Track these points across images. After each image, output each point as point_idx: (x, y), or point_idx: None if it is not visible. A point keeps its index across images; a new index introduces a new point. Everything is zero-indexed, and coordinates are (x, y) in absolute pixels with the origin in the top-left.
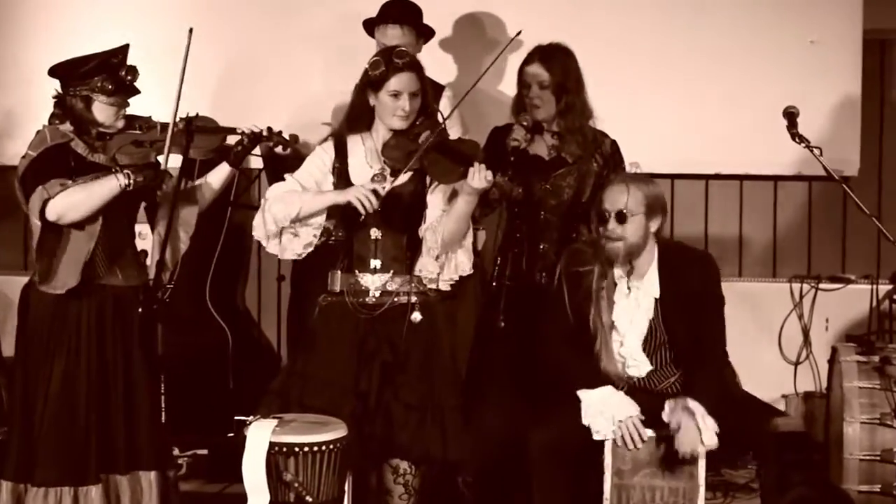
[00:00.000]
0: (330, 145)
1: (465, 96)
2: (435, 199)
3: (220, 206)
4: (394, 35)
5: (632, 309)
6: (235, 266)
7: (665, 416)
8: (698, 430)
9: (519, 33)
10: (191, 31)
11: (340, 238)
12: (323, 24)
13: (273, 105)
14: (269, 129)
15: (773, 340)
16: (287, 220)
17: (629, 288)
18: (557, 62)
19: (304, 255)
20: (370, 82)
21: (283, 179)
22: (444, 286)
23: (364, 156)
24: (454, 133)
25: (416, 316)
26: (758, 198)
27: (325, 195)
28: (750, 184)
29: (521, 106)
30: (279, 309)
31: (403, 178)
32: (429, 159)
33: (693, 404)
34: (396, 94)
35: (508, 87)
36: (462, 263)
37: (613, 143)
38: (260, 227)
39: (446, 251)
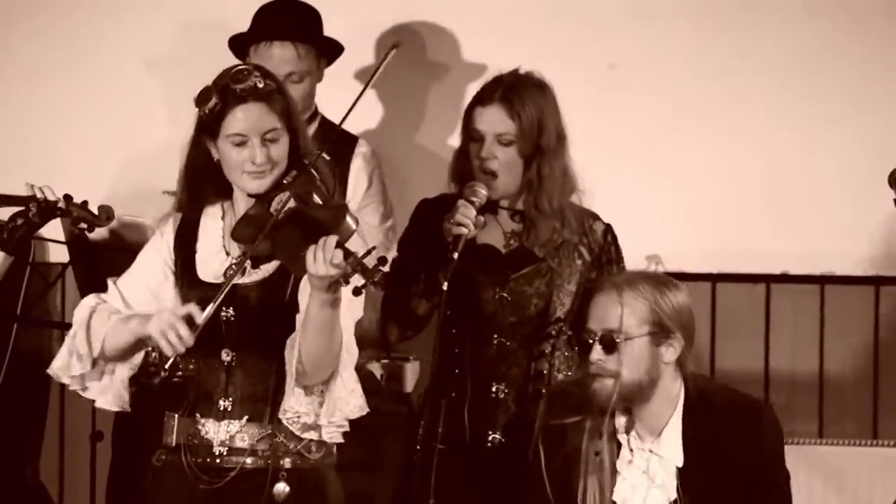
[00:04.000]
0: (169, 226)
1: (342, 122)
2: (306, 297)
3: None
4: (283, 58)
5: (643, 485)
6: (24, 417)
7: None
8: None
9: (396, 45)
10: None
11: (191, 373)
12: (167, 36)
13: (82, 162)
14: (67, 197)
15: None
16: (88, 357)
17: (632, 450)
18: (528, 104)
19: (126, 403)
20: (204, 126)
21: (96, 283)
22: (331, 436)
23: (221, 238)
24: (370, 212)
25: (281, 489)
26: (848, 311)
27: (130, 322)
28: (836, 289)
29: (467, 170)
30: (93, 481)
31: (264, 269)
32: (280, 236)
33: None
34: (241, 140)
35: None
36: (342, 401)
37: (608, 228)
38: (63, 368)
39: (318, 380)
